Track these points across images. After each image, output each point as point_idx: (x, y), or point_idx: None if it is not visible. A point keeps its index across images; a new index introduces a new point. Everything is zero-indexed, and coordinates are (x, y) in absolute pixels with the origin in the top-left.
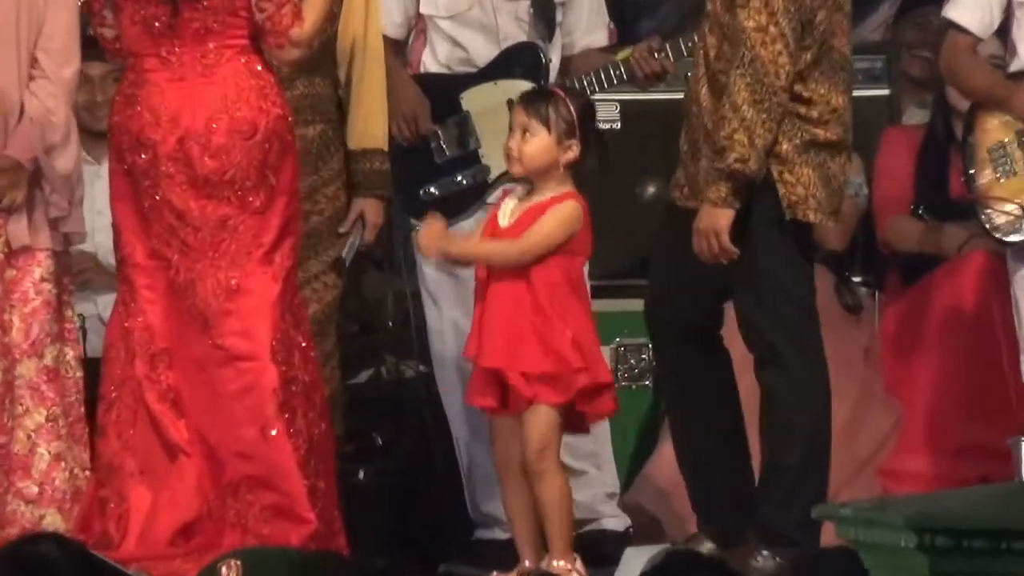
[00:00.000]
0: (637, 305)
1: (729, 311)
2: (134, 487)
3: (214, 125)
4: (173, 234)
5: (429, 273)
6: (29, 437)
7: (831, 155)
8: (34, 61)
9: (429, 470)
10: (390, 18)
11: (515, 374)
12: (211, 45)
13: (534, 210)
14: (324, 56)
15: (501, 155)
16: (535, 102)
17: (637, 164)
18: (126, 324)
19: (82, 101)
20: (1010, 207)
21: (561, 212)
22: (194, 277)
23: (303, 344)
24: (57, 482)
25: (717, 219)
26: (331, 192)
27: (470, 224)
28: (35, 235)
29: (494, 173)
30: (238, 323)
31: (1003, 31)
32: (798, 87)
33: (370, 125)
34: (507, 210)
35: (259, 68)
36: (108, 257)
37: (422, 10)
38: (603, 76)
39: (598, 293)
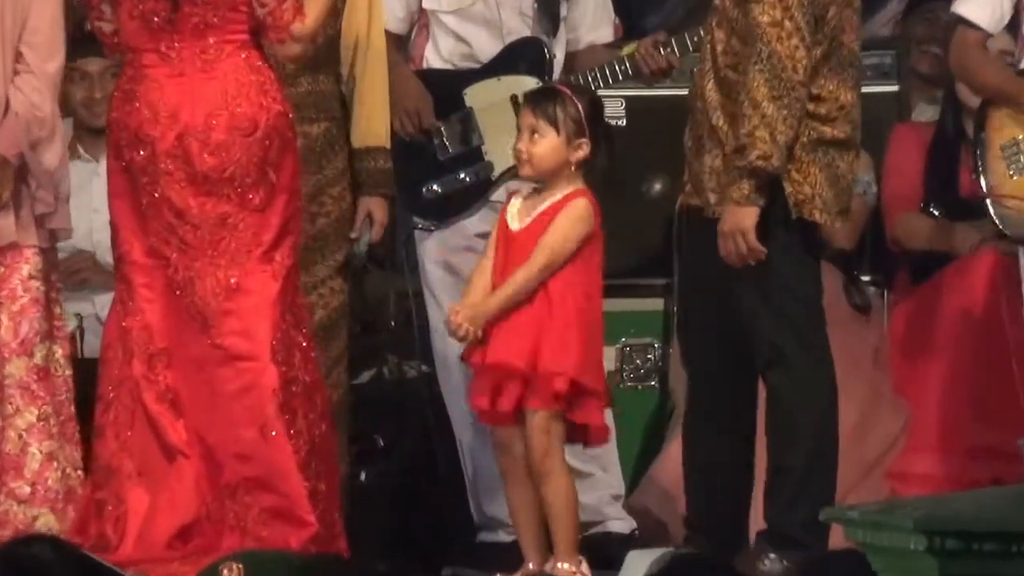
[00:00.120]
0: (643, 305)
1: None
2: (132, 489)
3: (214, 121)
4: (172, 232)
5: (432, 272)
6: (20, 437)
7: (839, 153)
8: (18, 56)
9: (431, 472)
10: (392, 13)
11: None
12: (211, 40)
13: (547, 213)
14: (328, 53)
15: (505, 152)
16: (542, 103)
17: (643, 161)
18: (124, 323)
19: (80, 97)
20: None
21: (573, 212)
22: (193, 275)
23: (304, 344)
24: (50, 482)
25: (742, 219)
26: (336, 192)
27: (473, 222)
28: (22, 232)
29: (498, 170)
30: (237, 322)
31: (1013, 26)
32: None
33: (373, 123)
34: (514, 211)
35: (259, 64)
36: (106, 256)
37: (425, 5)
38: (608, 72)
39: (603, 293)
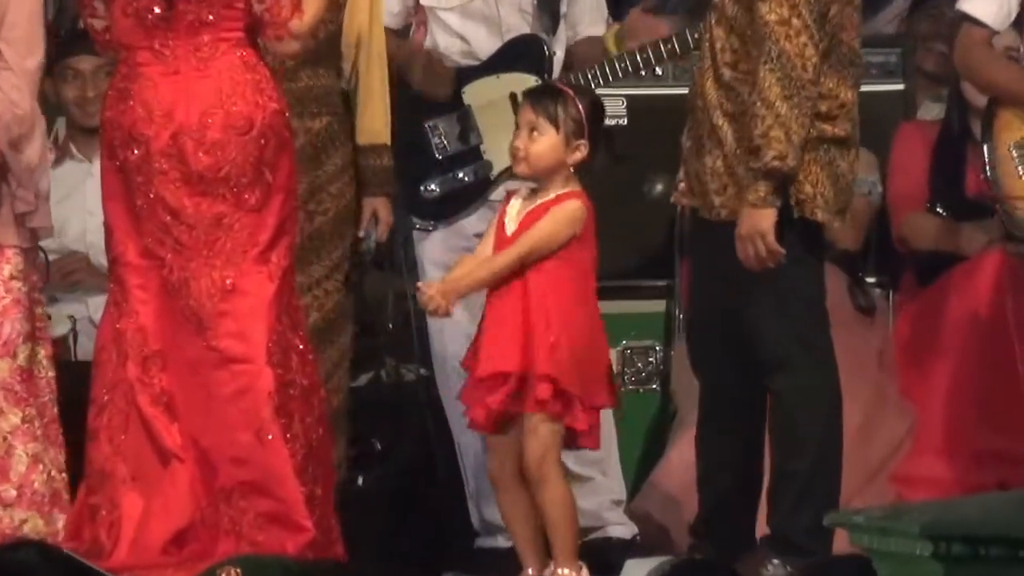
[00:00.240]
0: (644, 307)
1: None
2: (126, 494)
3: (209, 120)
4: (166, 232)
5: (430, 273)
6: (5, 439)
7: (840, 152)
8: None
9: (430, 476)
10: (387, 8)
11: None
12: (206, 38)
13: (536, 211)
14: (329, 48)
15: (503, 151)
16: (543, 100)
17: (644, 161)
18: (118, 325)
19: (72, 97)
20: None
21: (561, 213)
22: (188, 276)
23: (301, 347)
24: (36, 485)
25: (759, 221)
26: (335, 190)
27: (472, 222)
28: (2, 231)
29: (496, 169)
30: (233, 324)
31: (1019, 22)
32: None
33: (375, 120)
34: (513, 213)
35: (255, 62)
36: (100, 258)
37: (423, 1)
38: (608, 70)
39: (604, 294)
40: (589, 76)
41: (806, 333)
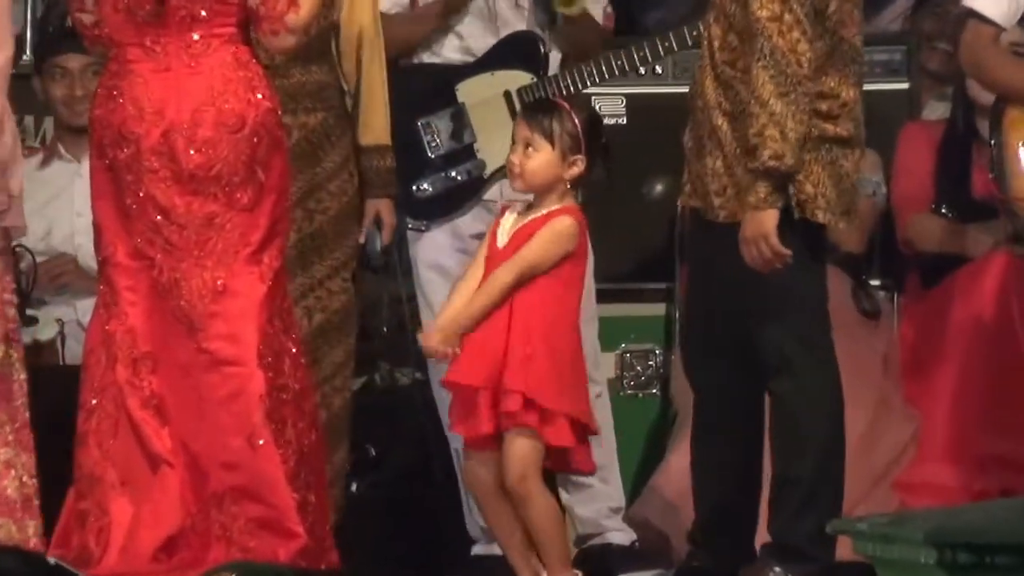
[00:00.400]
0: (643, 310)
1: None
2: (115, 499)
3: (200, 118)
4: (157, 232)
5: (424, 274)
6: None
7: (843, 151)
8: None
9: (425, 481)
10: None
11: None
12: (197, 34)
13: (528, 227)
14: (320, 44)
15: (497, 149)
16: (538, 116)
17: (644, 161)
18: (107, 327)
19: (60, 95)
20: None
21: (550, 233)
22: (178, 277)
23: (294, 350)
24: (9, 491)
25: (762, 223)
26: (335, 188)
27: (467, 221)
28: None
29: (490, 168)
30: (224, 326)
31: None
32: None
33: (376, 119)
34: (507, 226)
35: (247, 59)
36: (88, 260)
37: None
38: (604, 67)
39: (603, 297)
40: (586, 74)
41: (808, 335)
